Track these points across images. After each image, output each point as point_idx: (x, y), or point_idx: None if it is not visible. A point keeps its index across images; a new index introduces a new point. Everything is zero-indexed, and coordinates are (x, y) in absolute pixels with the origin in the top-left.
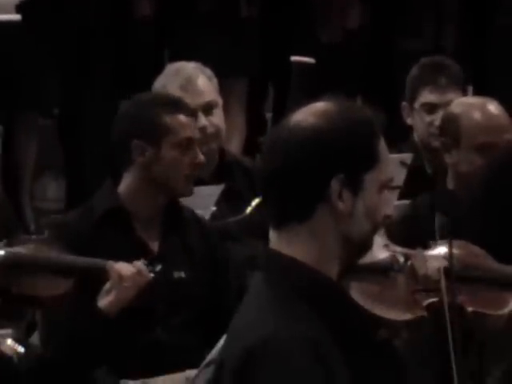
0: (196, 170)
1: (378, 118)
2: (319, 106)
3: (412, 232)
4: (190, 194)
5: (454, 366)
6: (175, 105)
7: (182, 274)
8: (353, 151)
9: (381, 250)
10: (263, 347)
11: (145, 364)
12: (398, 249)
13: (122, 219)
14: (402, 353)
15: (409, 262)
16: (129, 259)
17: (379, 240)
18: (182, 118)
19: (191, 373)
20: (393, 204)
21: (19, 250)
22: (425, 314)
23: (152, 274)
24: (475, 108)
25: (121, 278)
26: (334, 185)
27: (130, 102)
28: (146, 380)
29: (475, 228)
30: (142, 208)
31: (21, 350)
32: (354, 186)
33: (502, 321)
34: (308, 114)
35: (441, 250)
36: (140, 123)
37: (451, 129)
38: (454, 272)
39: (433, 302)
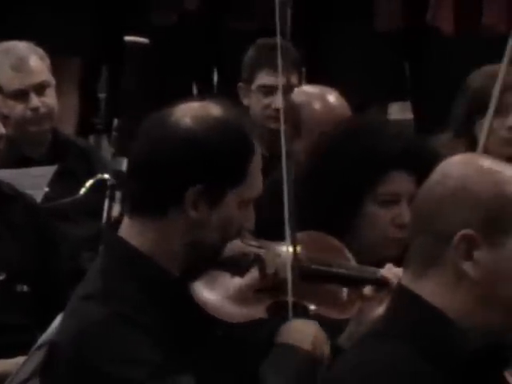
0: None
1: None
2: (202, 108)
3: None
4: None
5: None
6: None
7: (25, 288)
8: (220, 166)
9: (236, 243)
10: (93, 332)
11: None
12: (253, 242)
13: None
14: (240, 350)
15: (258, 259)
16: None
17: None
18: None
19: (22, 359)
20: (253, 218)
21: None
22: (264, 315)
23: None
24: (315, 99)
25: None
26: (190, 195)
27: None
28: None
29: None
30: None
31: None
32: (212, 198)
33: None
34: (188, 114)
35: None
36: None
37: (292, 117)
38: (301, 270)
39: (275, 302)
